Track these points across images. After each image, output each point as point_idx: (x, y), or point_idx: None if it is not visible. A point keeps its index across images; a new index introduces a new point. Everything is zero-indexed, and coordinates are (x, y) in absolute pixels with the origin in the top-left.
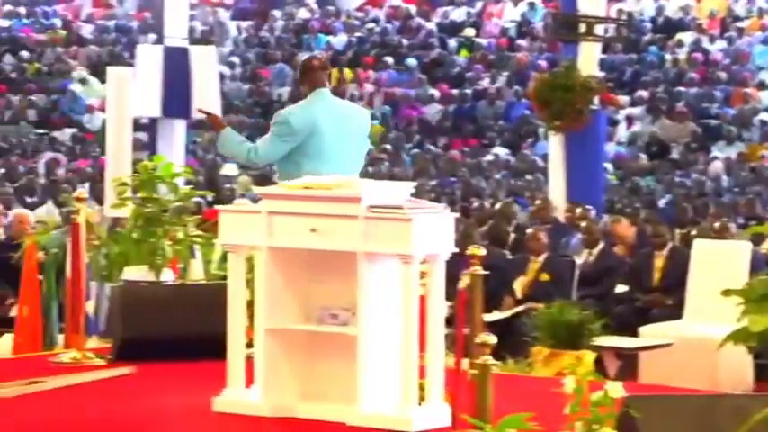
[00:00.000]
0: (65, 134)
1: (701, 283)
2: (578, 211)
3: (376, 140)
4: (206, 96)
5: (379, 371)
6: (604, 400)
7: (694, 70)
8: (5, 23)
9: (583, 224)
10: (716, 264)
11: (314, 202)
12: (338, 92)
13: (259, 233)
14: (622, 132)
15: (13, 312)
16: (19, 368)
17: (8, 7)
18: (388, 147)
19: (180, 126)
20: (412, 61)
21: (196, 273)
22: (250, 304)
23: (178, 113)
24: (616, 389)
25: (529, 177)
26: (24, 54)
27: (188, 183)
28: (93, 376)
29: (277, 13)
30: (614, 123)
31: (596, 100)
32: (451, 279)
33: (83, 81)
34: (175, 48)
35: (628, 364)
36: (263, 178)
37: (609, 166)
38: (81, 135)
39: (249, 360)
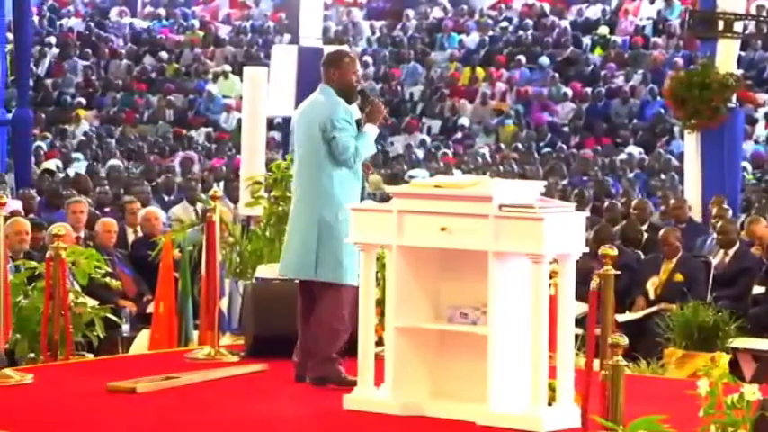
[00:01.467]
0: (200, 134)
1: None
2: (714, 209)
3: (508, 139)
4: None
5: (509, 370)
6: (740, 402)
7: None
8: (146, 24)
9: (718, 224)
10: None
11: (445, 201)
12: (469, 90)
13: (389, 232)
14: (761, 131)
15: (150, 309)
16: (155, 364)
17: (149, 9)
18: (520, 146)
19: None
20: (545, 60)
21: None
22: (380, 303)
23: None
24: (752, 391)
25: (663, 176)
26: (163, 55)
27: None
28: (227, 373)
29: (410, 12)
30: (752, 122)
31: (734, 98)
32: (583, 279)
33: (224, 75)
34: (309, 48)
35: (765, 366)
36: (395, 177)
37: (746, 165)
38: (215, 134)
39: (379, 358)
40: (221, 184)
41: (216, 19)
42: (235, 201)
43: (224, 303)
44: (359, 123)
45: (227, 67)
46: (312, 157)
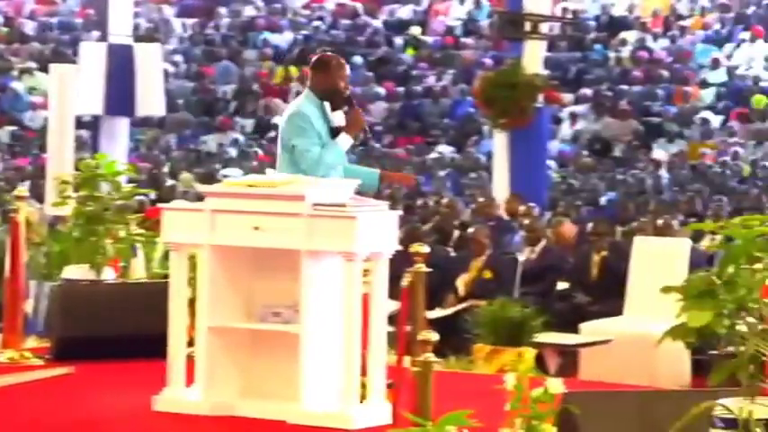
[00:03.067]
0: (4, 132)
1: (642, 280)
2: (522, 208)
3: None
4: (150, 94)
5: (322, 369)
6: (544, 396)
7: (638, 68)
8: None
9: (525, 221)
10: (656, 261)
11: (257, 200)
12: (283, 90)
13: (202, 231)
14: (566, 130)
15: None
16: None
17: None
18: None
19: (123, 124)
20: (358, 59)
21: (138, 271)
22: (192, 303)
23: (122, 111)
24: (556, 385)
25: (473, 175)
26: None
27: (131, 181)
28: (32, 376)
29: (223, 10)
30: (558, 121)
31: (541, 98)
32: (395, 277)
33: (30, 72)
34: (119, 45)
35: (568, 360)
36: (208, 176)
37: (552, 163)
38: (21, 133)
39: (190, 359)
40: (27, 183)
41: (20, 14)
42: (41, 201)
43: (29, 306)
44: (339, 131)
45: (33, 64)
46: (280, 165)
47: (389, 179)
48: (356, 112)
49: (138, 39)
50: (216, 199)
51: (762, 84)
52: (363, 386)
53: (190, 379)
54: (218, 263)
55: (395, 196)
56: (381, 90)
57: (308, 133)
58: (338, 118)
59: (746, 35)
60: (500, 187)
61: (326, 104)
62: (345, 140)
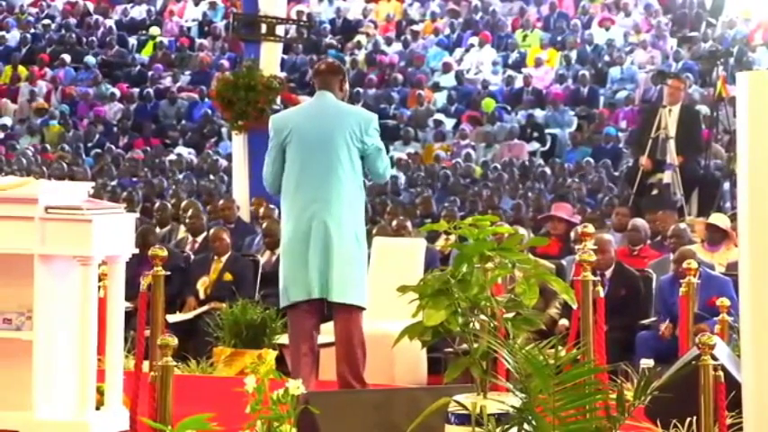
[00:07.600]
0: None
1: (380, 280)
2: (261, 210)
3: (54, 140)
4: None
5: (56, 376)
6: (285, 397)
7: (373, 72)
8: None
9: (264, 224)
10: (393, 261)
11: None
12: (11, 90)
13: None
14: None
15: None
16: None
17: None
18: (67, 146)
19: None
20: (90, 59)
21: None
22: None
23: None
24: (296, 386)
25: (212, 177)
26: None
27: None
28: None
29: None
30: None
31: (278, 100)
32: (133, 280)
33: None
34: None
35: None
36: None
37: None
38: None
39: None
40: None
41: None
42: None
43: None
44: None
45: None
46: (345, 166)
47: None
48: None
49: None
50: None
51: (490, 87)
52: (100, 393)
53: None
54: None
55: None
56: (116, 91)
57: None
58: None
59: (475, 40)
60: (239, 189)
61: None
62: None
